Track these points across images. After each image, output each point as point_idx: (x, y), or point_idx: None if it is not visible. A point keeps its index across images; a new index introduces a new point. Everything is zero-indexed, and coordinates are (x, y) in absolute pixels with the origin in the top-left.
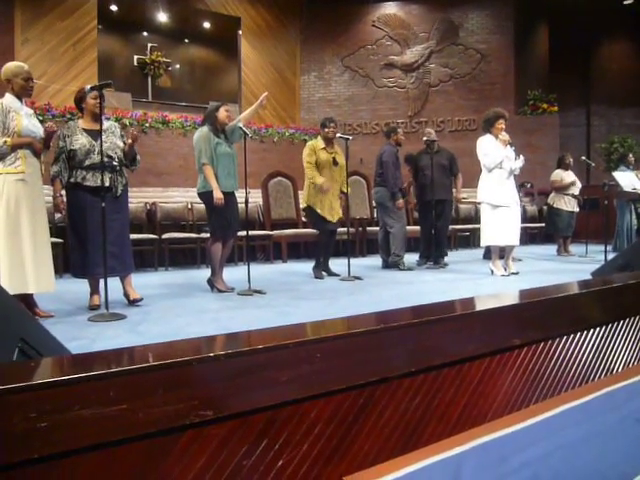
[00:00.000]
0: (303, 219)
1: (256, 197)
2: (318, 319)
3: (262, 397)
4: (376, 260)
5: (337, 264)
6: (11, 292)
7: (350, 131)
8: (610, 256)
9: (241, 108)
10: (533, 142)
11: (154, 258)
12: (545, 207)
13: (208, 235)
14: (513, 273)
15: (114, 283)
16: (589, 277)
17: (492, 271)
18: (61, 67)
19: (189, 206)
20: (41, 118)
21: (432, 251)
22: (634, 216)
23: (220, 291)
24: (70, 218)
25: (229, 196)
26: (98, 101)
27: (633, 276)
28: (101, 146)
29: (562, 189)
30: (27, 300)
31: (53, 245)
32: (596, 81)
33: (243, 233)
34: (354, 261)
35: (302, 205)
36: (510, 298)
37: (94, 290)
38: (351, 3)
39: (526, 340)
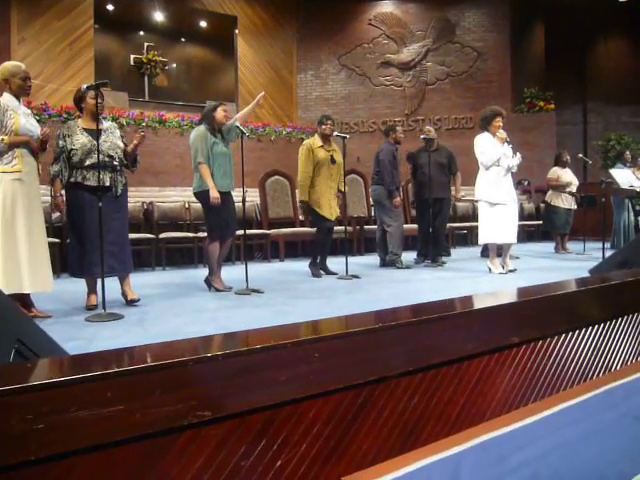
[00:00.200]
0: (300, 218)
1: (253, 196)
2: (316, 318)
3: (260, 397)
4: (374, 258)
5: (335, 263)
6: (7, 292)
7: (347, 130)
8: (608, 253)
9: (238, 107)
10: (530, 140)
11: (151, 258)
12: (542, 205)
13: (205, 234)
14: (511, 271)
15: (112, 283)
16: (587, 275)
17: (490, 269)
18: (57, 67)
19: (186, 205)
20: (38, 118)
21: (430, 249)
22: (631, 213)
23: (218, 290)
24: (70, 217)
25: (225, 196)
26: (99, 101)
27: (631, 273)
28: (97, 143)
29: (558, 187)
30: (24, 300)
31: (50, 245)
32: (592, 79)
33: (240, 232)
34: (352, 259)
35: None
36: (508, 296)
37: (91, 290)
38: (347, 1)
39: (524, 338)
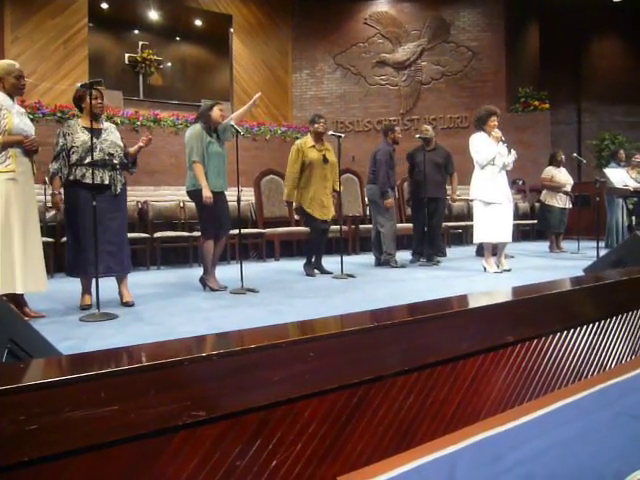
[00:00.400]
0: (296, 217)
1: (248, 195)
2: (311, 317)
3: (255, 397)
4: (369, 258)
5: (330, 262)
6: (0, 292)
7: (342, 129)
8: (602, 252)
9: (233, 106)
10: (525, 139)
11: (146, 257)
12: (537, 204)
13: (200, 234)
14: (506, 270)
15: (106, 283)
16: (581, 274)
17: (485, 268)
18: (51, 65)
19: (181, 205)
20: (32, 117)
21: (425, 248)
22: (625, 212)
23: (213, 290)
24: (68, 216)
25: (218, 195)
26: (98, 100)
27: (625, 272)
28: (91, 142)
29: (552, 187)
30: (17, 300)
31: (44, 245)
32: (587, 78)
33: (235, 231)
34: (347, 259)
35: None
36: (503, 295)
37: (86, 290)
38: (343, 1)
39: (519, 337)
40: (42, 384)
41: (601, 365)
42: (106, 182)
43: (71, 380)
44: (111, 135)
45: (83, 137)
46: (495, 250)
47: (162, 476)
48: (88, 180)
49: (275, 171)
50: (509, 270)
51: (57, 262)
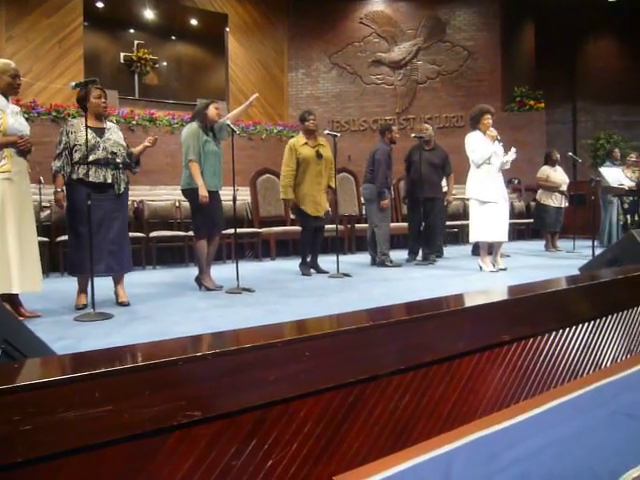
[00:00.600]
0: (292, 216)
1: (244, 195)
2: (307, 317)
3: (250, 397)
4: (365, 257)
5: (326, 261)
6: None
7: (338, 128)
8: (598, 251)
9: (229, 105)
10: (520, 138)
11: (142, 256)
12: (533, 203)
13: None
14: (502, 269)
15: (103, 282)
16: (577, 272)
17: (481, 267)
18: (46, 65)
19: (177, 204)
20: (27, 116)
21: (423, 248)
22: (617, 212)
23: (208, 289)
24: (70, 214)
25: (213, 194)
26: (102, 99)
27: (621, 271)
28: (86, 140)
29: (548, 187)
30: (12, 300)
31: (39, 244)
32: (582, 78)
33: (231, 231)
34: (343, 258)
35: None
36: (499, 294)
37: (83, 289)
38: (338, 0)
39: (515, 336)
40: (36, 384)
41: (597, 364)
42: (109, 181)
43: (65, 380)
44: (114, 135)
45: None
46: (491, 249)
47: (157, 477)
48: (91, 179)
49: (271, 170)
50: (505, 269)
51: (52, 262)
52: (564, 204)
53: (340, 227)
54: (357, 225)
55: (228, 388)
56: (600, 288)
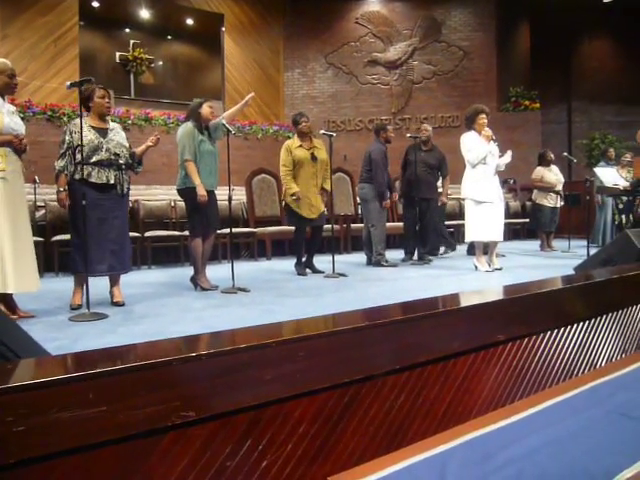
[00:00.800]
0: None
1: (240, 194)
2: (302, 317)
3: (245, 397)
4: (361, 257)
5: (321, 261)
6: None
7: (334, 128)
8: (592, 251)
9: (224, 105)
10: (515, 138)
11: (137, 256)
12: (528, 203)
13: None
14: (497, 269)
15: (98, 282)
16: (572, 272)
17: (476, 267)
18: (42, 64)
19: (172, 204)
20: (22, 115)
21: (419, 247)
22: (611, 212)
23: (203, 289)
24: (72, 214)
25: (209, 194)
26: (106, 99)
27: (615, 271)
28: (81, 139)
29: (543, 188)
30: (7, 300)
31: (34, 244)
32: (577, 78)
33: (227, 230)
34: (338, 258)
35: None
36: (494, 294)
37: (79, 289)
38: (334, 0)
39: (510, 336)
40: (30, 385)
41: (592, 363)
42: (111, 182)
43: (59, 381)
44: (117, 135)
45: (89, 136)
46: (486, 249)
47: (151, 477)
48: (94, 179)
49: (267, 170)
50: (500, 269)
51: (47, 262)
52: (559, 204)
53: (336, 227)
54: (353, 225)
55: (223, 388)
56: (595, 288)
